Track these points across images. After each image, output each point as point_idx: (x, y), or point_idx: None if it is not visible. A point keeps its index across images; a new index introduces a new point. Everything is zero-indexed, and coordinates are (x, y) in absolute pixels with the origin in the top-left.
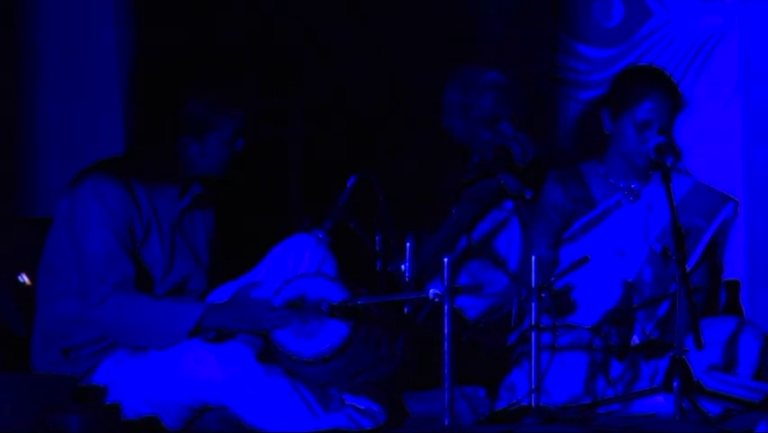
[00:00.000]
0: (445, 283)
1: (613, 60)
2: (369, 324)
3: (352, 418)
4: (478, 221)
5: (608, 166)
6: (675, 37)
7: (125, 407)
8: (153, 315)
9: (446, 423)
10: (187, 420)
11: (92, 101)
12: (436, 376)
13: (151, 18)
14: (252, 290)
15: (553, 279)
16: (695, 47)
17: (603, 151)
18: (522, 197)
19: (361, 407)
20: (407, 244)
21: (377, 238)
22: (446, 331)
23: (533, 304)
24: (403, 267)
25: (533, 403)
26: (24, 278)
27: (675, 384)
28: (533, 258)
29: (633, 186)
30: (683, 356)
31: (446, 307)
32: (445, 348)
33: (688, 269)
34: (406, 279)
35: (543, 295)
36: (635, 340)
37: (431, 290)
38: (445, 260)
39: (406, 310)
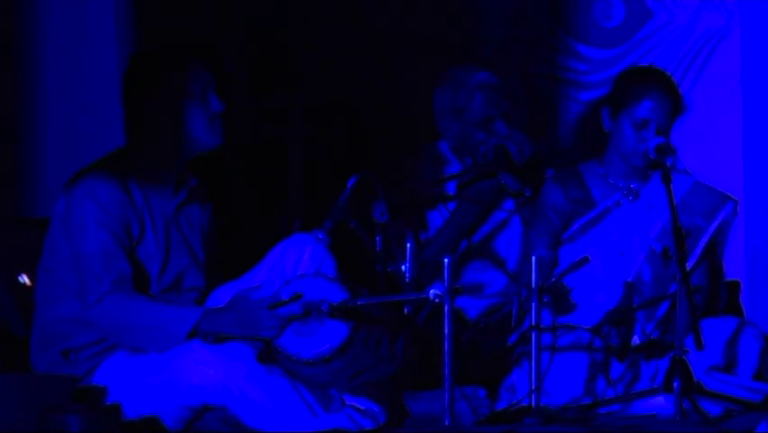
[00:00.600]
0: (445, 284)
1: (613, 61)
2: (369, 324)
3: (352, 418)
4: (480, 222)
5: (608, 166)
6: (675, 37)
7: (125, 407)
8: (150, 317)
9: (446, 423)
10: (187, 421)
11: (92, 101)
12: (436, 376)
13: (151, 18)
14: (251, 294)
15: (553, 279)
16: (695, 47)
17: (602, 151)
18: (522, 195)
19: (362, 407)
20: (407, 245)
21: (377, 238)
22: (446, 331)
23: (533, 304)
24: (403, 267)
25: (533, 404)
26: (24, 278)
27: (676, 385)
28: (533, 258)
29: (632, 185)
30: (684, 357)
31: (446, 307)
32: (445, 348)
33: (687, 269)
34: (407, 279)
35: (544, 295)
36: (636, 340)
37: (431, 291)
38: (445, 260)
39: (406, 311)
